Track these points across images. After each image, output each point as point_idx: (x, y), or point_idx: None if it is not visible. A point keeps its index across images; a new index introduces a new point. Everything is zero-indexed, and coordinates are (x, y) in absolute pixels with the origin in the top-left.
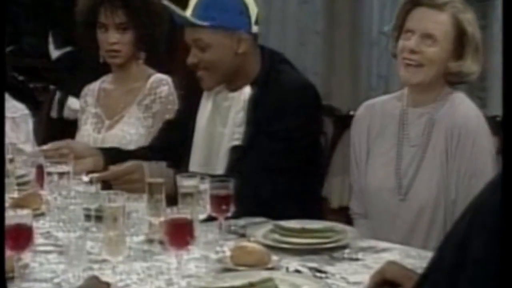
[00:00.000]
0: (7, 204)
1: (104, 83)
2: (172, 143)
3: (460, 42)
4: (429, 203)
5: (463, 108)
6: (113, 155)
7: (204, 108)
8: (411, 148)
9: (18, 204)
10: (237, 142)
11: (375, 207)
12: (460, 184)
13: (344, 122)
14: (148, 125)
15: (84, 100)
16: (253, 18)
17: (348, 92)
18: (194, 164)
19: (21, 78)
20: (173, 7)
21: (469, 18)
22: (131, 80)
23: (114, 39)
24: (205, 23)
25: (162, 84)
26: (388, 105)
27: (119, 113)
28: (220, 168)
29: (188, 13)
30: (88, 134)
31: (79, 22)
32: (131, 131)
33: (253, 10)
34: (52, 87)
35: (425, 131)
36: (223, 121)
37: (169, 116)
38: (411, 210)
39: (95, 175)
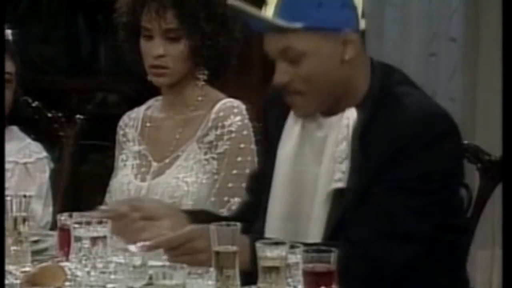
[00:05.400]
0: (18, 281)
1: (150, 109)
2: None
3: None
4: None
5: None
6: (202, 220)
7: (287, 139)
8: None
9: (33, 281)
10: (340, 184)
11: None
12: None
13: (495, 171)
14: (212, 170)
15: (122, 132)
16: (359, 10)
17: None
18: (274, 217)
19: (35, 104)
20: (244, 6)
21: None
22: (188, 107)
23: (159, 51)
24: (296, 25)
25: (232, 113)
26: None
27: (172, 152)
28: (314, 226)
29: (269, 13)
30: (128, 181)
31: (119, 24)
32: (188, 178)
33: None
34: (78, 117)
35: None
36: (317, 156)
37: (242, 158)
38: None
39: (144, 243)
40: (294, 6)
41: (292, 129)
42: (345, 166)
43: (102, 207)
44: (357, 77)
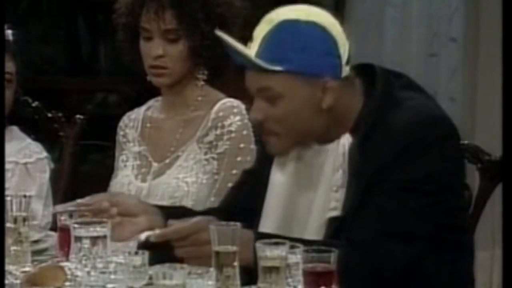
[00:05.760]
0: (18, 281)
1: (150, 110)
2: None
3: None
4: None
5: None
6: (177, 216)
7: (283, 162)
8: None
9: (33, 281)
10: (334, 213)
11: None
12: None
13: (495, 171)
14: (212, 170)
15: (123, 133)
16: (344, 58)
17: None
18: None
19: (35, 104)
20: (229, 41)
21: None
22: (188, 108)
23: (159, 51)
24: (276, 68)
25: (232, 113)
26: None
27: (172, 153)
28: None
29: (252, 51)
30: (129, 182)
31: (118, 24)
32: (188, 179)
33: (344, 46)
34: (78, 117)
35: None
36: (313, 183)
37: (242, 158)
38: None
39: (155, 232)
40: (277, 48)
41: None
42: (339, 194)
43: (79, 200)
44: (341, 115)
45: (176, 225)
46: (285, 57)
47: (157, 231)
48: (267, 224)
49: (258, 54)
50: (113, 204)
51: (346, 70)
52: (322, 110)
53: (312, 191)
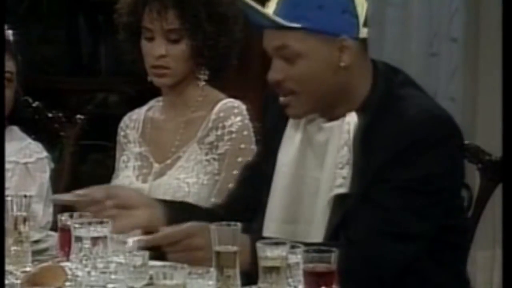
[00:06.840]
0: (18, 281)
1: (151, 110)
2: (257, 197)
3: None
4: None
5: None
6: (180, 211)
7: (289, 142)
8: None
9: (34, 282)
10: (341, 190)
11: None
12: None
13: (495, 171)
14: (213, 171)
15: (123, 134)
16: (361, 18)
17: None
18: (273, 219)
19: (36, 104)
20: (247, 0)
21: None
22: (189, 108)
23: (161, 51)
24: (294, 25)
25: (233, 113)
26: None
27: (173, 154)
28: (315, 230)
29: (270, 10)
30: (130, 182)
31: (119, 24)
32: (189, 179)
33: (362, 6)
34: (78, 117)
35: None
36: (318, 161)
37: (242, 158)
38: None
39: (142, 237)
40: (295, 6)
41: (293, 133)
42: (346, 171)
43: (77, 191)
44: (354, 83)
45: (166, 230)
46: (302, 15)
47: (146, 237)
48: (276, 205)
49: (276, 12)
50: (110, 196)
51: (363, 32)
52: (340, 69)
53: (318, 170)
